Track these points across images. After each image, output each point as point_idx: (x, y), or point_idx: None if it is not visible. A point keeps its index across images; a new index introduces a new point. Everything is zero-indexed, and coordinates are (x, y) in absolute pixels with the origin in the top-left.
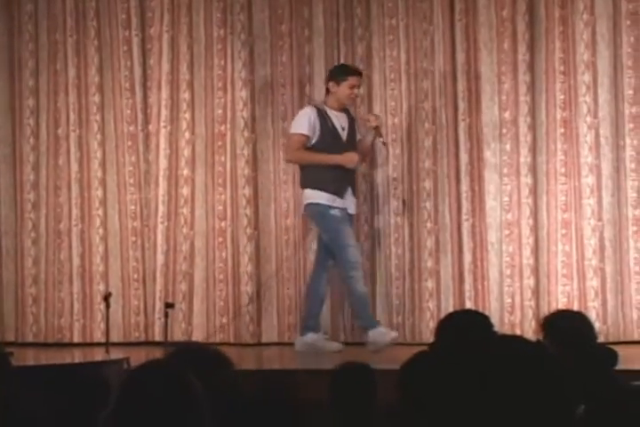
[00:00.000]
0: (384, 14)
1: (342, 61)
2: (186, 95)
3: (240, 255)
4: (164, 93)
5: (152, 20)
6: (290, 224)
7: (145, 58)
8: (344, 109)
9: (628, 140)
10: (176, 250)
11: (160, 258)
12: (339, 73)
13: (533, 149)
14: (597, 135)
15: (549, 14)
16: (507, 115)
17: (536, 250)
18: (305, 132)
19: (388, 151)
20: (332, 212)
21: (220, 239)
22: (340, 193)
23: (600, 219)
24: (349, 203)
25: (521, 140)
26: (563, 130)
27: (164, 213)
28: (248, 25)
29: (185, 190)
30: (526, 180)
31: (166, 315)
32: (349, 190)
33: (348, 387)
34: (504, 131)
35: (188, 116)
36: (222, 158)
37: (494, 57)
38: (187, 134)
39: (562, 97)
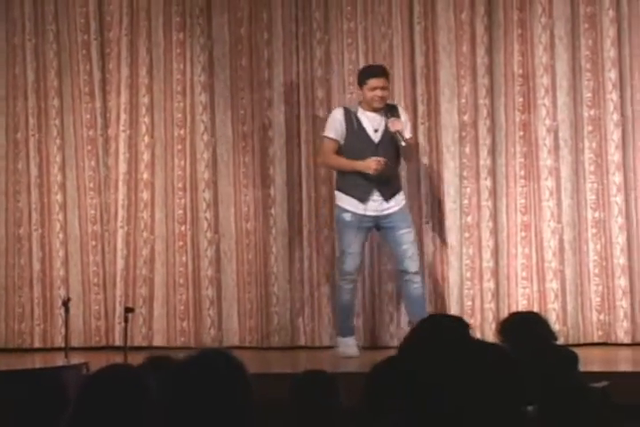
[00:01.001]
0: (342, 18)
1: (301, 65)
2: (145, 99)
3: (200, 259)
4: (124, 97)
5: (111, 24)
6: (250, 228)
7: (104, 62)
8: (383, 111)
9: (586, 143)
10: (136, 254)
11: (120, 262)
12: (360, 77)
13: (493, 152)
14: (556, 138)
15: (508, 17)
16: (466, 118)
17: (496, 252)
18: (331, 135)
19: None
20: (344, 215)
21: (181, 243)
22: (362, 198)
23: (559, 221)
24: (375, 206)
25: (480, 142)
26: (522, 133)
27: (123, 217)
28: (207, 29)
29: (145, 194)
30: (486, 182)
31: (126, 320)
32: (376, 194)
33: (308, 395)
34: (463, 134)
35: (147, 120)
36: (182, 162)
37: (453, 60)
38: (146, 138)
39: (521, 100)
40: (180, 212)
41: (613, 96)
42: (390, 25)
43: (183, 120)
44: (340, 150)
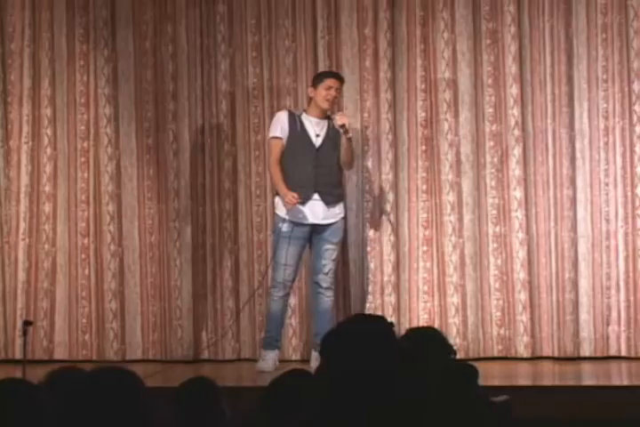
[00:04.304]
0: (247, 31)
1: (205, 78)
2: (47, 111)
3: (104, 272)
4: (26, 109)
5: (12, 35)
6: (154, 241)
7: (5, 73)
8: (327, 118)
9: (488, 158)
10: (37, 267)
11: (21, 275)
12: (317, 76)
13: (395, 166)
14: (458, 153)
15: (411, 32)
16: (369, 132)
17: (397, 266)
18: (276, 134)
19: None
20: (280, 225)
21: (83, 256)
22: (300, 200)
23: (461, 236)
24: (316, 210)
25: (382, 157)
26: (424, 147)
27: (25, 229)
28: (111, 41)
29: (47, 207)
30: (388, 196)
31: (25, 333)
32: (316, 196)
33: (193, 403)
34: (366, 148)
35: (49, 131)
36: (85, 175)
37: (356, 75)
38: (48, 150)
39: (423, 115)
40: (83, 224)
41: (515, 112)
42: (295, 39)
43: (87, 132)
44: (282, 151)
